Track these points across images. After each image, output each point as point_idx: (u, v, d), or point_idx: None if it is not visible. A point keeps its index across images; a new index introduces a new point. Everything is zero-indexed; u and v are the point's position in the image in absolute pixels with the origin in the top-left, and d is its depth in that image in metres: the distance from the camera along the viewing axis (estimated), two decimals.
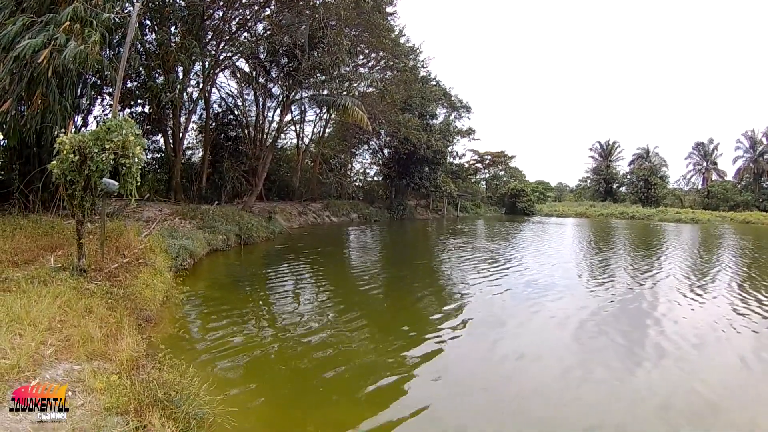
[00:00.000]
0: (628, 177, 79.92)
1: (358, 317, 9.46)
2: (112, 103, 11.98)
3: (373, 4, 24.80)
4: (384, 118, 35.06)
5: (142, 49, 19.86)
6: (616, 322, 9.78)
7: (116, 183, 8.13)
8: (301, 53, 21.96)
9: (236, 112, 31.41)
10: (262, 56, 25.64)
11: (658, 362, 7.51)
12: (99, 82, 15.27)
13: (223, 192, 26.53)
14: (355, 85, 32.22)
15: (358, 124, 25.34)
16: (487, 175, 76.89)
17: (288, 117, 30.91)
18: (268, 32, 23.97)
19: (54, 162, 7.92)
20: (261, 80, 28.19)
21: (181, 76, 21.14)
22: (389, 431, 5.22)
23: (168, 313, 8.66)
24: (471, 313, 10.12)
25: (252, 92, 30.79)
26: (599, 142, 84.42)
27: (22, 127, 10.93)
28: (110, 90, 14.85)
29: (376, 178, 51.94)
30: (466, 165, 69.25)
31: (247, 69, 28.50)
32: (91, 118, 17.59)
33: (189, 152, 30.94)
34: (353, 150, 47.70)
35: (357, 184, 49.54)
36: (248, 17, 23.70)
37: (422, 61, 40.66)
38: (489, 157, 73.25)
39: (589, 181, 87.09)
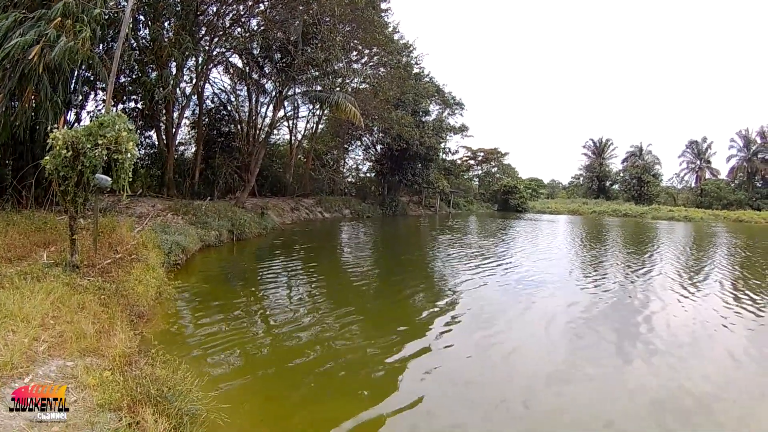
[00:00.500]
0: (621, 175, 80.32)
1: (350, 312, 9.51)
2: (105, 98, 11.94)
3: (367, 0, 24.77)
4: (377, 114, 35.05)
5: (135, 44, 19.73)
6: (607, 319, 9.89)
7: (109, 179, 8.11)
8: (294, 49, 21.93)
9: (229, 108, 31.33)
10: (255, 52, 25.54)
11: (650, 359, 7.60)
12: (92, 77, 15.18)
13: (216, 188, 26.48)
14: (348, 81, 32.16)
15: (351, 120, 25.29)
16: (480, 172, 77.02)
17: (281, 113, 30.87)
18: (262, 28, 23.88)
19: (47, 158, 7.90)
20: (254, 76, 28.09)
21: (174, 72, 21.05)
22: (381, 426, 5.28)
23: (161, 308, 8.67)
24: (462, 309, 10.20)
25: (245, 88, 30.70)
26: (592, 140, 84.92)
27: (13, 123, 10.88)
28: (103, 85, 14.77)
29: (368, 175, 52.01)
30: (459, 161, 69.34)
31: (240, 64, 28.40)
32: (84, 114, 17.56)
33: (182, 148, 30.91)
34: (346, 146, 47.71)
35: (349, 180, 49.64)
36: (242, 13, 23.63)
37: (416, 57, 40.67)
38: (482, 154, 73.39)
39: (581, 179, 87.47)
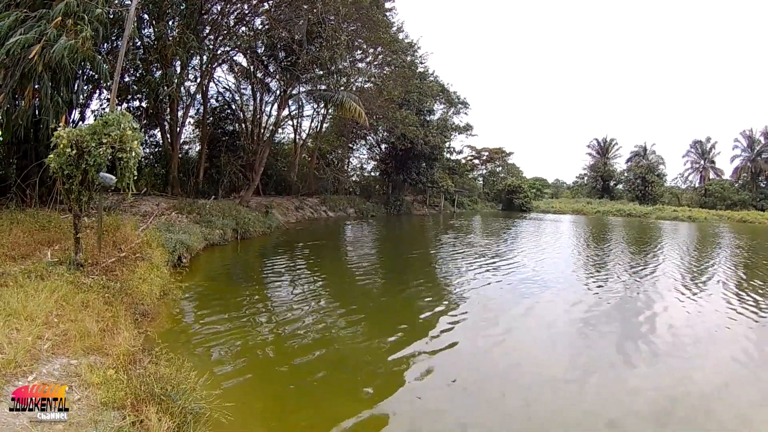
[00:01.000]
0: (626, 174, 79.79)
1: (353, 311, 9.53)
2: (109, 97, 11.96)
3: None
4: (381, 113, 35.02)
5: (140, 43, 19.77)
6: (610, 319, 9.84)
7: (113, 177, 8.13)
8: (299, 48, 21.91)
9: (233, 107, 31.32)
10: (259, 51, 25.55)
11: (651, 360, 7.56)
12: (96, 76, 15.20)
13: (220, 186, 26.47)
14: (352, 80, 32.15)
15: (356, 119, 25.27)
16: (485, 172, 76.82)
17: (285, 112, 30.83)
18: (266, 27, 23.88)
19: (51, 156, 7.91)
20: (258, 75, 28.10)
21: (178, 71, 21.07)
22: (384, 424, 5.27)
23: (165, 307, 8.68)
24: (465, 309, 10.18)
25: (249, 87, 30.78)
26: (597, 140, 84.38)
27: (14, 122, 10.90)
28: (108, 84, 14.79)
29: (373, 174, 52.06)
30: (464, 161, 69.18)
31: (244, 63, 28.42)
32: (88, 112, 17.59)
33: (186, 147, 31.00)
34: (350, 145, 47.67)
35: (354, 179, 49.58)
36: (246, 12, 23.61)
37: (420, 56, 40.61)
38: (486, 153, 73.25)
39: (586, 178, 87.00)
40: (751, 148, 71.09)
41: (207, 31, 22.73)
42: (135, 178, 8.49)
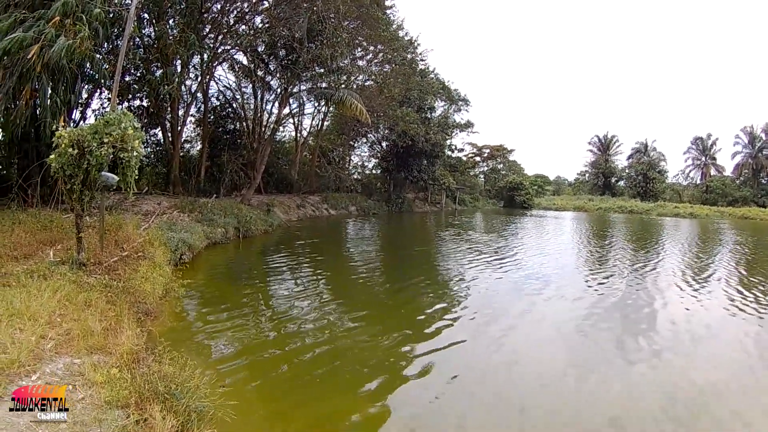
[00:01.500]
0: (627, 171, 79.63)
1: (354, 309, 9.56)
2: (110, 96, 11.96)
3: None
4: (382, 111, 34.97)
5: (140, 42, 19.77)
6: (611, 317, 9.84)
7: (115, 176, 8.14)
8: (299, 46, 21.88)
9: (234, 105, 31.32)
10: (260, 49, 25.51)
11: (652, 358, 7.57)
12: (96, 75, 15.22)
13: (222, 185, 26.46)
14: (353, 78, 32.10)
15: (357, 117, 25.23)
16: (486, 169, 76.89)
17: (286, 110, 30.77)
18: (267, 25, 23.84)
19: (52, 156, 7.92)
20: (259, 73, 28.09)
21: (179, 70, 21.05)
22: (385, 422, 5.28)
23: (167, 306, 8.70)
24: (467, 306, 10.19)
25: (250, 85, 30.76)
26: (598, 136, 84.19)
27: (13, 122, 10.90)
28: (108, 83, 14.79)
29: (374, 171, 52.02)
30: (465, 158, 69.11)
31: (245, 62, 28.39)
32: (89, 112, 17.60)
33: (187, 145, 30.98)
34: (351, 143, 47.68)
35: (355, 177, 49.57)
36: (246, 10, 23.58)
37: (420, 54, 40.58)
38: (488, 151, 73.30)
39: (587, 175, 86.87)
40: (752, 145, 70.93)
41: (207, 29, 22.69)
42: (136, 177, 8.52)
